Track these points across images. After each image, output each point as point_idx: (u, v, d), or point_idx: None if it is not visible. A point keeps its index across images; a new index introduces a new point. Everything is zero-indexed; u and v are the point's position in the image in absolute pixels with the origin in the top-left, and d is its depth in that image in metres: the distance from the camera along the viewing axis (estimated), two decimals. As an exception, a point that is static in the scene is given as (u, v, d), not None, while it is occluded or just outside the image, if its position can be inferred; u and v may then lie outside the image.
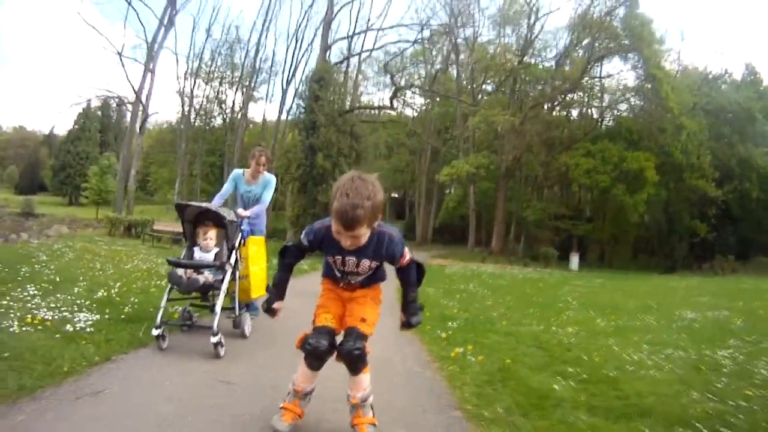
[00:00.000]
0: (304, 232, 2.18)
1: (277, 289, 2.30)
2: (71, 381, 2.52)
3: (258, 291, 4.21)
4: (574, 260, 26.06)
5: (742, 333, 5.44)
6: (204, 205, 3.79)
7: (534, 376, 3.05)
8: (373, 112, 30.92)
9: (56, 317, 3.59)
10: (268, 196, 4.49)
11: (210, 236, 3.66)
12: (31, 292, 4.39)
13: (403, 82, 31.97)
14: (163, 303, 3.34)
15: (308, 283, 4.89)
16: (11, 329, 3.17)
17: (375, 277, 2.24)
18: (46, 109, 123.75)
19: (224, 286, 3.45)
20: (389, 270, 2.28)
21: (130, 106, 27.68)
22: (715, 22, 63.66)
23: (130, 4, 24.06)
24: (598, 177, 26.74)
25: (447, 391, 2.90)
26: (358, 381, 2.09)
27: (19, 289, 4.43)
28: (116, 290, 5.10)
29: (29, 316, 3.47)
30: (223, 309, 3.51)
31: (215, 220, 3.71)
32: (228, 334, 3.78)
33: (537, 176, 31.02)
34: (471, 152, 29.95)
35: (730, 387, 3.04)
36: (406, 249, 2.13)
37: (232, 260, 3.63)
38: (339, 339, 2.13)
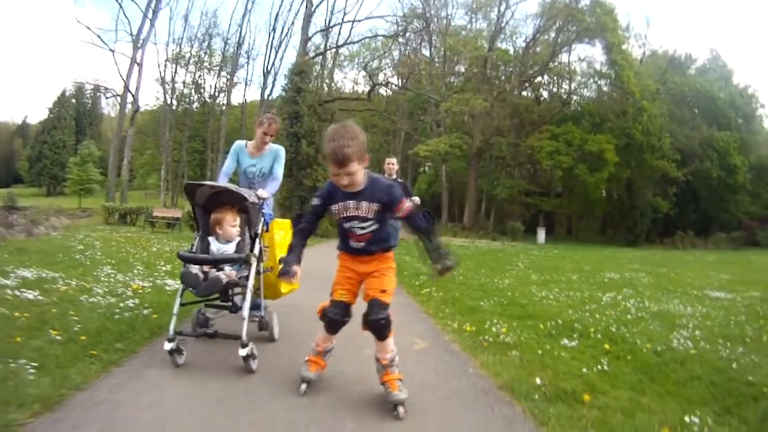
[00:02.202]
0: (313, 197, 2.36)
1: (293, 253, 2.30)
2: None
3: (288, 285, 3.28)
4: (541, 234, 28.25)
5: (640, 286, 7.31)
6: (221, 184, 3.14)
7: (472, 301, 4.93)
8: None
9: (150, 284, 4.76)
10: (280, 170, 3.79)
11: (234, 222, 2.97)
12: (108, 271, 5.36)
13: (376, 64, 33.30)
14: (176, 309, 2.73)
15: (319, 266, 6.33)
16: (128, 292, 4.28)
17: (383, 236, 2.34)
18: (17, 99, 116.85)
19: (250, 283, 2.82)
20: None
21: (106, 92, 27.98)
22: (683, 6, 66.08)
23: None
24: (561, 158, 28.53)
25: (418, 307, 4.88)
26: (384, 345, 2.30)
27: (98, 270, 5.41)
28: (169, 266, 6.21)
29: (133, 285, 4.62)
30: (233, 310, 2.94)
31: (237, 202, 3.01)
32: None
33: (505, 156, 32.64)
34: (443, 134, 31.09)
35: (598, 310, 4.88)
36: (407, 201, 2.28)
37: (256, 251, 3.00)
38: (353, 308, 2.38)
